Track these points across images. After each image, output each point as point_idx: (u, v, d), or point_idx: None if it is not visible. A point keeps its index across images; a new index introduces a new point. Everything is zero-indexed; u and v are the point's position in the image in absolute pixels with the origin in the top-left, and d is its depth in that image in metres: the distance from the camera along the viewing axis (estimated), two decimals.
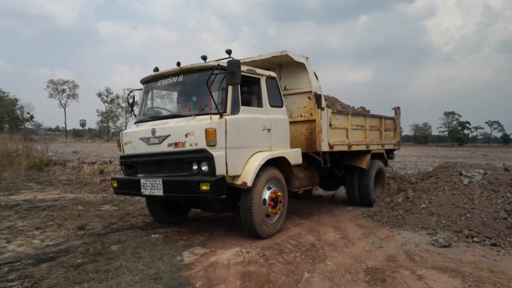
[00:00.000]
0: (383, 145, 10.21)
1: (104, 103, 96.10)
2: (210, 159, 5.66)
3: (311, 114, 7.79)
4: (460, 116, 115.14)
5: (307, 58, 7.74)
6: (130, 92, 7.43)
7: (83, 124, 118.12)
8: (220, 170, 5.74)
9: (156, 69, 6.90)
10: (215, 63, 6.04)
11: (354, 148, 8.89)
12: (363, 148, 9.29)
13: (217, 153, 5.72)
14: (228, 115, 5.99)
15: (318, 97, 7.68)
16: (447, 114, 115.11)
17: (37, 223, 7.46)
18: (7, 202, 9.73)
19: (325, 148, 7.82)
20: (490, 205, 7.12)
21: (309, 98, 7.83)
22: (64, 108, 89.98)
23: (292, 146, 7.56)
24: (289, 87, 8.10)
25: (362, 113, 9.49)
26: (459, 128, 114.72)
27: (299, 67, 7.81)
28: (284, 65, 8.12)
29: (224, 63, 5.95)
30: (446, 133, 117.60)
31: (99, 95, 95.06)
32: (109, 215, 8.25)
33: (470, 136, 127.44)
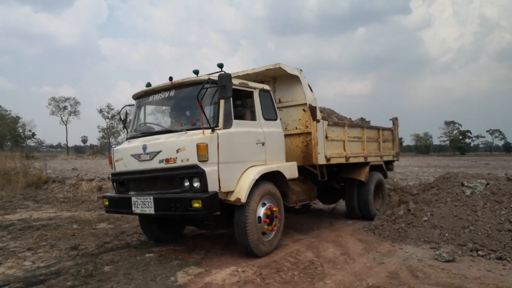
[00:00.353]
0: (382, 157, 10.02)
1: (105, 119, 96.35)
2: (202, 175, 5.49)
3: (307, 127, 7.62)
4: (460, 125, 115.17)
5: (301, 70, 7.61)
6: (123, 108, 7.32)
7: (84, 140, 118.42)
8: (212, 186, 5.57)
9: (149, 84, 6.79)
10: (206, 77, 5.91)
11: (351, 160, 8.71)
12: (361, 160, 9.10)
13: (209, 169, 5.55)
14: (220, 129, 5.83)
15: (313, 109, 7.53)
16: (448, 123, 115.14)
17: (30, 244, 7.28)
18: (1, 222, 9.55)
19: (321, 161, 7.65)
20: (494, 216, 6.94)
21: (304, 110, 7.67)
22: (66, 125, 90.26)
23: (288, 160, 7.39)
24: (283, 100, 7.96)
25: (359, 124, 9.36)
26: (460, 137, 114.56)
27: (293, 79, 7.68)
28: (278, 78, 8.00)
29: (215, 77, 5.82)
30: (447, 142, 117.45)
31: (100, 111, 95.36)
32: (104, 234, 8.06)
33: (471, 145, 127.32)
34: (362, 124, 9.52)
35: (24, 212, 11.03)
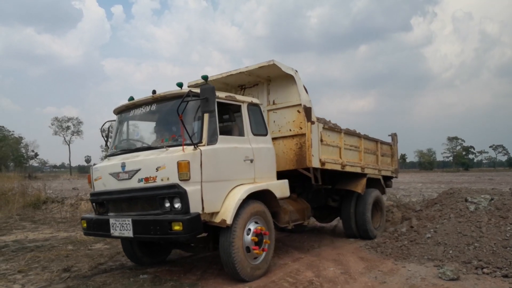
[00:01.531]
0: (380, 171, 9.75)
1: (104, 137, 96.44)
2: (183, 195, 5.10)
3: (301, 128, 7.34)
4: (463, 140, 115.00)
5: (296, 71, 7.39)
6: (104, 123, 6.98)
7: (88, 160, 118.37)
8: (194, 207, 5.19)
9: (131, 98, 6.43)
10: (188, 90, 5.55)
11: (348, 168, 8.40)
12: (358, 170, 8.80)
13: (191, 188, 5.18)
14: (204, 145, 5.49)
15: (307, 110, 7.27)
16: (451, 139, 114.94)
17: (21, 266, 7.07)
18: None
19: (315, 164, 7.33)
20: (499, 232, 6.75)
21: (298, 111, 7.39)
22: (69, 145, 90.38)
23: (281, 163, 7.13)
24: (277, 101, 7.72)
25: (356, 133, 9.05)
26: (464, 153, 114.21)
27: (288, 80, 7.45)
28: (273, 79, 7.77)
29: (197, 89, 5.50)
30: (451, 158, 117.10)
31: (103, 131, 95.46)
32: (99, 255, 7.86)
33: (475, 160, 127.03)
34: (360, 134, 9.21)
35: (20, 233, 10.82)
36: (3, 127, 76.72)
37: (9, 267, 7.09)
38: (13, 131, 78.89)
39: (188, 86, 8.14)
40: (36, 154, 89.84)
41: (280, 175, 6.99)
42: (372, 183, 9.43)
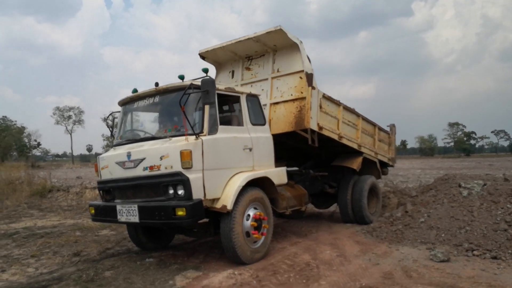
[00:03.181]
0: (376, 154, 10.00)
1: (109, 127, 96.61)
2: (185, 182, 5.41)
3: (302, 93, 7.63)
4: (464, 126, 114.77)
5: (301, 41, 7.72)
6: (109, 114, 7.28)
7: (89, 149, 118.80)
8: (197, 194, 5.49)
9: (135, 90, 6.69)
10: (189, 83, 5.84)
11: (344, 141, 8.64)
12: (355, 146, 9.06)
13: (194, 176, 5.48)
14: (205, 135, 5.78)
15: (309, 76, 7.55)
16: (451, 125, 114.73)
17: (33, 251, 7.40)
18: (6, 230, 9.69)
19: (313, 125, 7.57)
20: (490, 216, 7.02)
21: (300, 78, 7.69)
22: (70, 134, 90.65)
23: (280, 125, 7.47)
24: (281, 70, 8.03)
25: (355, 111, 9.30)
26: (465, 138, 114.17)
27: (293, 50, 7.80)
28: (279, 49, 8.10)
29: (198, 82, 5.76)
30: (452, 144, 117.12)
31: (104, 119, 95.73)
32: (106, 240, 8.18)
33: (477, 146, 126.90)
34: (359, 113, 9.42)
35: (29, 220, 11.16)
36: (5, 117, 77.21)
37: (22, 252, 7.42)
38: (15, 121, 79.31)
39: (199, 53, 8.79)
40: (39, 144, 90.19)
41: (281, 149, 7.45)
42: (368, 166, 9.73)
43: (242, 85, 8.48)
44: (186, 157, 5.45)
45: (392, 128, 11.17)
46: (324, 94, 8.07)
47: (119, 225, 9.21)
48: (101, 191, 6.73)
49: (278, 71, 8.08)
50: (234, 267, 5.83)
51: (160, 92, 6.31)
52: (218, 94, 6.21)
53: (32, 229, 9.79)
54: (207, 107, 5.87)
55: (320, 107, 7.89)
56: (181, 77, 6.06)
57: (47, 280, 5.73)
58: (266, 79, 8.20)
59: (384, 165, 10.67)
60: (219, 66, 9.23)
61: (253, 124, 6.79)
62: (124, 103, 6.95)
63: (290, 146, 9.05)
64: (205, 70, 6.01)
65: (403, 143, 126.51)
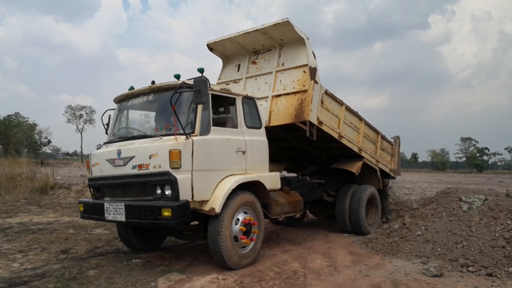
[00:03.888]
0: (378, 162, 9.79)
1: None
2: (173, 183, 5.31)
3: (304, 86, 7.58)
4: (477, 141, 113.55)
5: (308, 37, 7.74)
6: (105, 112, 7.18)
7: (99, 148, 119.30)
8: (184, 195, 5.38)
9: (131, 88, 6.62)
10: (181, 82, 5.76)
11: (344, 141, 8.47)
12: (355, 149, 8.87)
13: (182, 176, 5.37)
14: (196, 135, 5.66)
15: (312, 70, 7.51)
16: (464, 139, 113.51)
17: (22, 246, 7.33)
18: (1, 225, 9.64)
19: (313, 118, 7.45)
20: (488, 232, 6.83)
21: (304, 72, 7.67)
22: (81, 133, 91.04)
23: (280, 117, 7.43)
24: (286, 64, 8.03)
25: (358, 115, 9.17)
26: (478, 154, 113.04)
27: (299, 45, 7.83)
28: (285, 44, 8.11)
29: (191, 81, 5.68)
30: (464, 159, 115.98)
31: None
32: (97, 239, 8.09)
33: (489, 162, 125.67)
34: (362, 117, 9.34)
35: (25, 216, 11.11)
36: (18, 113, 77.65)
37: (11, 247, 7.35)
38: (27, 118, 79.87)
39: (207, 44, 8.90)
40: (49, 141, 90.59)
41: (282, 148, 7.71)
42: (369, 174, 9.56)
43: (246, 78, 8.54)
44: (174, 156, 5.34)
45: (396, 139, 10.99)
46: (326, 90, 8.00)
47: (113, 224, 9.15)
48: (91, 188, 6.66)
49: (283, 65, 8.08)
50: (220, 272, 5.71)
51: (154, 90, 6.22)
52: (213, 95, 6.14)
53: (27, 224, 9.73)
54: (199, 107, 5.78)
55: (322, 102, 7.81)
56: (177, 76, 5.96)
57: (29, 276, 5.65)
58: (271, 73, 8.18)
59: (385, 176, 10.46)
60: (226, 60, 9.25)
61: (248, 127, 6.66)
62: (119, 100, 6.87)
63: (291, 145, 9.04)
64: (200, 70, 5.91)
65: (414, 156, 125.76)
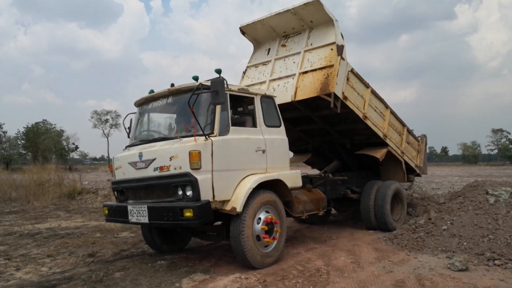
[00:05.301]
0: (403, 153, 9.65)
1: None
2: (194, 183, 5.37)
3: (331, 62, 7.73)
4: (509, 133, 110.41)
5: (336, 20, 7.94)
6: (126, 116, 7.29)
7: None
8: (205, 195, 5.44)
9: (151, 91, 6.71)
10: (198, 83, 5.82)
11: (369, 122, 8.42)
12: (380, 134, 8.77)
13: (202, 177, 5.43)
14: (215, 136, 5.71)
15: (340, 48, 7.69)
16: (495, 131, 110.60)
17: (50, 251, 7.51)
18: (30, 230, 9.89)
19: (338, 91, 7.48)
20: None
21: (331, 49, 7.85)
22: (107, 138, 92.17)
23: (306, 92, 7.60)
24: (314, 44, 8.25)
25: (385, 102, 9.15)
26: (510, 145, 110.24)
27: (328, 26, 8.06)
28: (315, 26, 8.36)
29: (208, 82, 5.70)
30: (496, 151, 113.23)
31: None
32: (123, 242, 8.22)
33: None
34: (388, 104, 9.31)
35: (54, 221, 11.36)
36: (45, 120, 79.26)
37: (40, 252, 7.53)
38: (55, 124, 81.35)
39: (240, 28, 9.19)
40: (77, 147, 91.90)
41: (306, 133, 7.93)
42: (393, 166, 9.54)
43: (275, 59, 8.78)
44: (194, 157, 5.41)
45: (423, 138, 10.89)
46: (353, 69, 8.13)
47: (138, 227, 9.28)
48: (115, 192, 6.80)
49: (311, 45, 8.30)
50: (243, 271, 5.72)
51: (173, 92, 6.30)
52: (231, 95, 6.20)
53: (55, 229, 9.96)
54: (218, 108, 5.84)
55: (347, 79, 7.93)
56: (195, 78, 6.00)
57: (58, 280, 5.78)
58: (299, 53, 8.39)
59: (411, 171, 10.32)
60: (257, 45, 9.52)
61: (268, 126, 6.67)
62: (139, 104, 6.99)
63: (315, 129, 9.23)
64: (218, 71, 5.95)
65: (444, 150, 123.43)
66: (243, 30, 9.17)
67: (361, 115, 8.26)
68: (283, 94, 8.00)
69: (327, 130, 9.04)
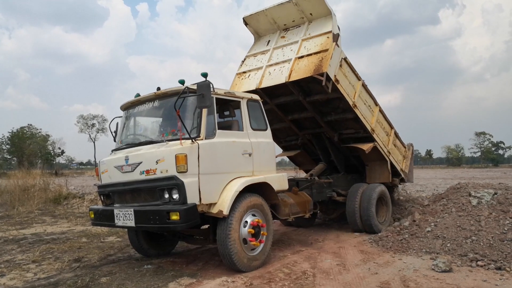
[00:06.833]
0: (389, 153, 9.70)
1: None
2: (180, 187, 5.40)
3: (326, 47, 7.97)
4: (491, 136, 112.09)
5: (335, 14, 8.31)
6: (112, 120, 7.28)
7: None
8: (192, 198, 5.47)
9: (137, 95, 6.72)
10: (184, 87, 5.86)
11: (357, 112, 8.53)
12: (368, 127, 8.85)
13: (188, 180, 5.46)
14: (202, 139, 5.74)
15: (335, 36, 8.02)
16: (478, 134, 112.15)
17: (35, 256, 7.44)
18: (15, 236, 9.79)
19: (330, 72, 7.65)
20: (497, 226, 6.82)
21: (328, 37, 8.11)
22: (94, 142, 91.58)
23: (300, 73, 7.81)
24: (312, 34, 8.52)
25: (375, 99, 9.39)
26: (493, 148, 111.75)
27: (326, 18, 8.40)
28: (314, 20, 8.68)
29: (194, 86, 5.74)
30: (479, 154, 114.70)
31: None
32: (110, 247, 8.20)
33: (505, 156, 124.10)
34: (377, 101, 9.53)
35: (40, 226, 11.26)
36: (31, 125, 78.34)
37: (25, 258, 7.47)
38: (40, 129, 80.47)
39: (243, 18, 9.46)
40: (63, 152, 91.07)
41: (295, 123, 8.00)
42: (378, 167, 9.63)
43: (274, 48, 9.00)
44: (181, 161, 5.43)
45: (410, 146, 11.01)
46: (346, 57, 8.42)
47: (125, 232, 9.25)
48: (101, 196, 6.79)
49: (309, 35, 8.59)
50: (230, 275, 5.76)
51: (160, 96, 6.33)
52: (217, 98, 6.25)
53: (40, 235, 9.88)
54: (204, 111, 5.87)
55: (340, 65, 8.18)
56: (182, 82, 6.03)
57: (43, 285, 5.75)
58: (297, 42, 8.66)
59: (395, 175, 10.39)
60: (258, 38, 9.76)
61: (254, 129, 6.72)
62: (125, 107, 6.99)
63: (306, 118, 9.33)
64: (204, 75, 5.99)
65: (429, 152, 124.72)
66: (246, 21, 9.43)
67: (351, 103, 8.41)
68: (278, 77, 8.29)
69: (317, 121, 9.11)
